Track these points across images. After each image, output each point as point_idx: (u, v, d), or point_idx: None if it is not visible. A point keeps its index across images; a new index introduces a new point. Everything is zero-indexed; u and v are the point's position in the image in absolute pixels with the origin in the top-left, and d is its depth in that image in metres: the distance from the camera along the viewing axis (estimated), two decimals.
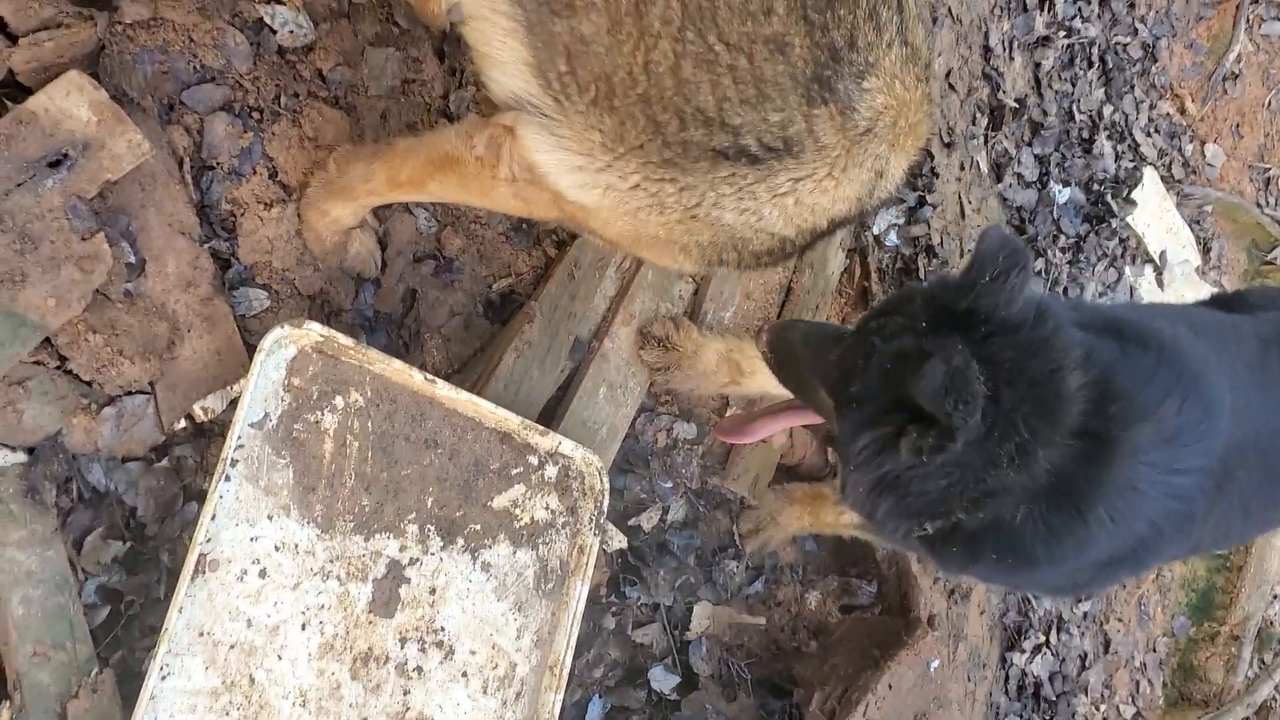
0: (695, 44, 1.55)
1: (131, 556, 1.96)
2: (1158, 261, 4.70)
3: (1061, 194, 4.21)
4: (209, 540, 1.92)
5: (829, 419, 2.07)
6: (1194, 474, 1.93)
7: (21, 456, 1.81)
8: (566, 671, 2.35)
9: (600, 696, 2.69)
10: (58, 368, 1.84)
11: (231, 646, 1.95)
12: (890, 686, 2.72)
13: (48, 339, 1.82)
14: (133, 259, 1.89)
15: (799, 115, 1.62)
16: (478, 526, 2.30)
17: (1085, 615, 4.28)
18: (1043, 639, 4.02)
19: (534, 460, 2.39)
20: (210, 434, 2.05)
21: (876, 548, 3.25)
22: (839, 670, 2.82)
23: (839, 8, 1.57)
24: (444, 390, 2.21)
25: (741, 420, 2.48)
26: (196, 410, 2.01)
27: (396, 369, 2.15)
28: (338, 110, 2.18)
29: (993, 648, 3.66)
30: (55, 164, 1.77)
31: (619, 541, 2.64)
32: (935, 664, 2.88)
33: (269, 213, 2.09)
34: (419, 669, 2.19)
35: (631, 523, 2.79)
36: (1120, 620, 4.54)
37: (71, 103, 1.79)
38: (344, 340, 2.06)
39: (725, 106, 1.60)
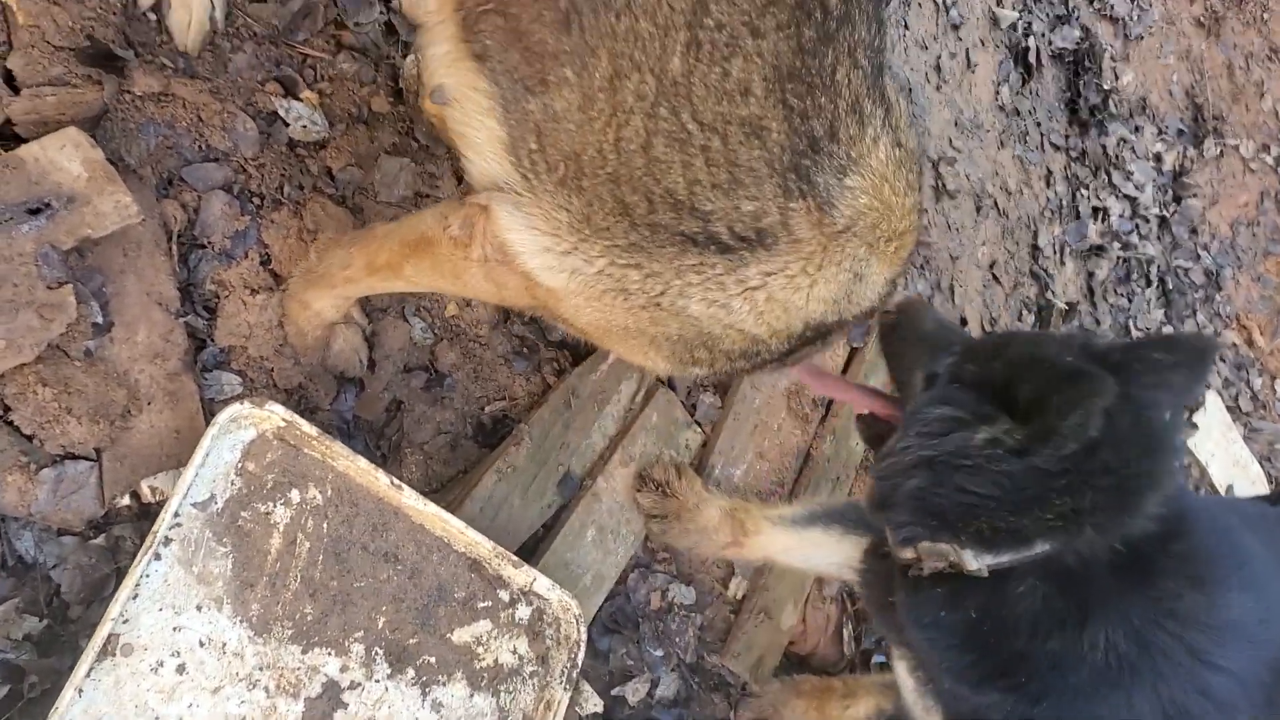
0: (668, 121, 1.51)
1: (47, 636, 1.81)
2: (1223, 495, 4.42)
3: None
4: (125, 620, 1.77)
5: (905, 396, 1.98)
6: (1231, 677, 1.71)
7: None
8: None
9: None
10: (0, 417, 1.76)
11: None
12: None
13: None
14: (100, 320, 1.85)
15: (774, 206, 1.54)
16: (432, 659, 2.10)
17: None
18: None
19: (505, 596, 2.21)
20: (154, 516, 1.93)
21: None
22: None
23: (819, 95, 1.52)
24: (411, 500, 2.08)
25: (818, 371, 2.35)
26: (144, 489, 1.91)
27: (362, 469, 2.03)
28: (343, 209, 2.18)
29: None
30: (35, 211, 1.76)
31: (594, 705, 2.40)
32: None
33: (254, 299, 2.05)
34: None
35: (615, 692, 2.54)
36: None
37: (64, 156, 1.80)
38: (307, 428, 1.96)
39: (696, 190, 1.53)
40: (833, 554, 2.41)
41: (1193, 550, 1.76)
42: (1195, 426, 4.23)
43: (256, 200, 2.08)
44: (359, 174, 2.21)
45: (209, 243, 2.03)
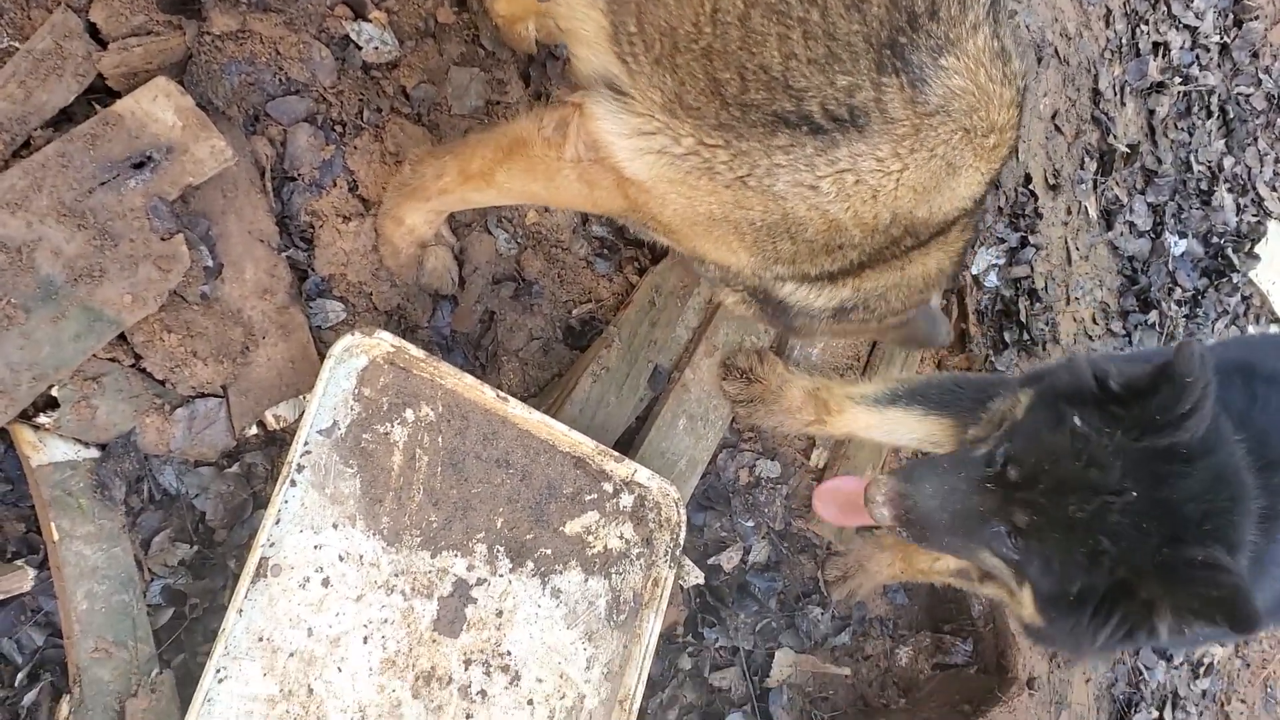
0: None
1: (198, 561, 1.96)
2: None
3: (1177, 245, 4.02)
4: (272, 544, 1.90)
5: (1004, 581, 1.94)
6: None
7: (94, 453, 1.83)
8: (637, 707, 2.26)
9: None
10: (132, 366, 1.86)
11: (291, 654, 1.91)
12: None
13: (123, 336, 1.84)
14: (210, 263, 1.92)
15: (867, 82, 1.54)
16: (549, 551, 2.24)
17: (1204, 694, 3.98)
18: (1156, 715, 3.74)
19: (608, 488, 2.33)
20: (281, 442, 2.05)
21: (972, 603, 3.08)
22: None
23: None
24: (516, 409, 2.17)
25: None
26: (268, 417, 2.01)
27: (468, 384, 2.12)
28: (420, 127, 2.20)
29: None
30: (139, 165, 1.81)
31: (695, 577, 2.55)
32: None
33: (347, 226, 2.10)
34: (483, 693, 2.12)
35: (711, 561, 2.69)
36: (1243, 701, 4.21)
37: (158, 107, 1.84)
38: (415, 352, 2.05)
39: (791, 65, 1.54)
40: (913, 432, 2.49)
41: None
42: (1257, 257, 4.21)
43: (339, 128, 2.12)
44: (432, 90, 2.22)
45: (299, 175, 2.07)
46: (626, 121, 1.65)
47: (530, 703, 2.18)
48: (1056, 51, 3.52)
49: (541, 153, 1.82)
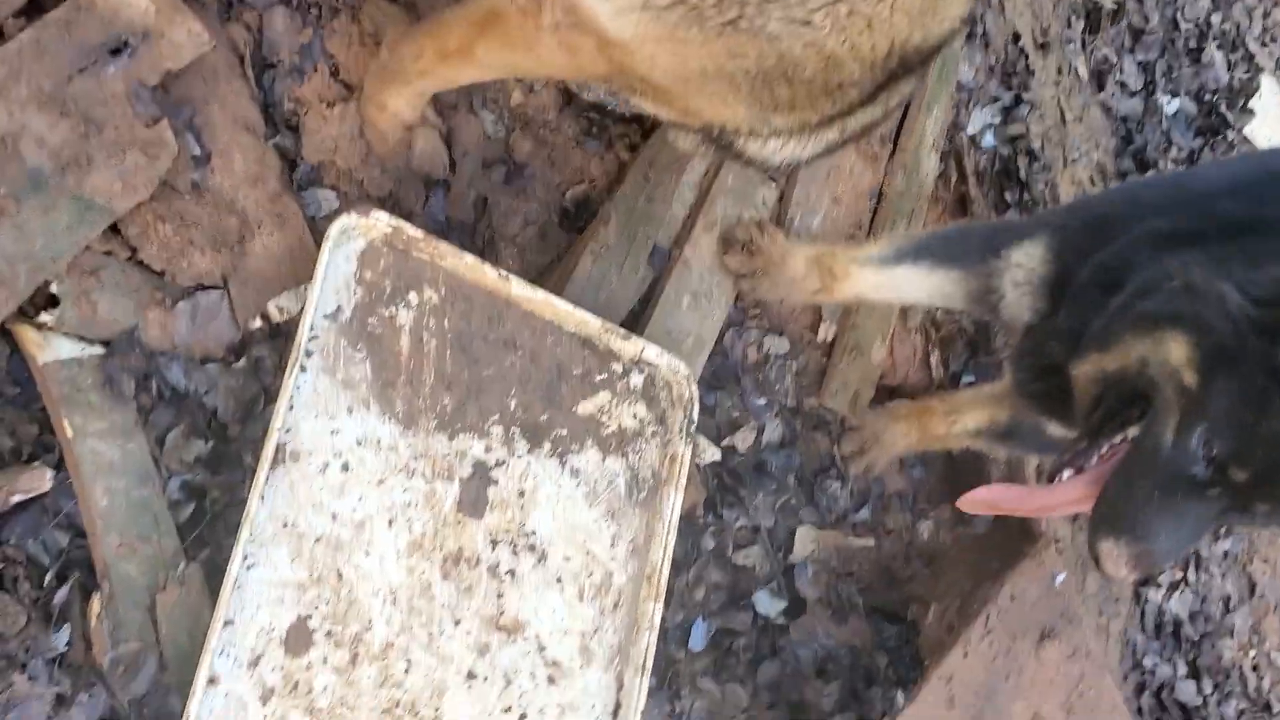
0: None
1: (215, 456, 1.94)
2: None
3: (1170, 104, 3.98)
4: (288, 430, 1.88)
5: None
6: None
7: (98, 349, 1.80)
8: (664, 582, 2.26)
9: (704, 619, 2.58)
10: (129, 259, 1.83)
11: (317, 540, 1.90)
12: (1012, 598, 2.55)
13: (118, 230, 1.81)
14: (198, 151, 1.88)
15: None
16: (564, 431, 2.23)
17: (1226, 554, 4.01)
18: (1180, 576, 3.77)
19: (618, 367, 2.31)
20: (286, 334, 2.02)
21: (991, 466, 3.08)
22: (956, 584, 2.66)
23: None
24: (519, 288, 2.15)
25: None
26: (271, 309, 1.99)
27: (469, 264, 2.09)
28: (396, 6, 2.15)
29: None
30: (116, 51, 1.76)
31: (712, 454, 2.54)
32: (1061, 577, 2.69)
33: (331, 111, 2.06)
34: (512, 572, 2.12)
35: (725, 442, 2.68)
36: (1265, 562, 4.24)
37: None
38: (412, 232, 2.02)
39: None
40: (921, 287, 2.46)
41: None
42: (1252, 112, 4.17)
43: (315, 9, 2.06)
44: None
45: (278, 61, 2.03)
46: None
47: (559, 580, 2.17)
48: None
49: (518, 23, 1.76)
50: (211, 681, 1.76)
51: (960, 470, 3.10)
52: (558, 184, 2.45)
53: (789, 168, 1.98)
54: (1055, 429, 2.41)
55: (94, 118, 1.73)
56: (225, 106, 1.94)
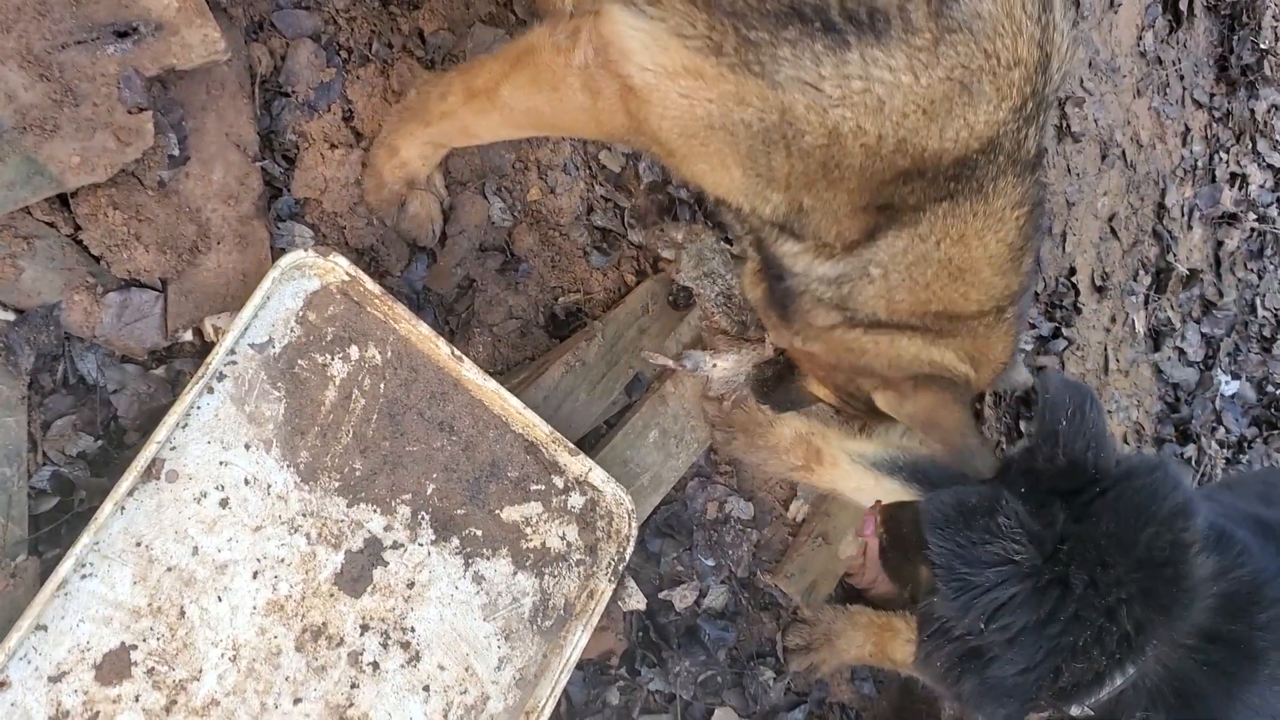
0: None
1: (100, 457, 1.85)
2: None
3: (1229, 385, 3.80)
4: (172, 448, 1.79)
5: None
6: None
7: (9, 316, 1.75)
8: None
9: None
10: (70, 236, 1.78)
11: (169, 569, 1.78)
12: None
13: (67, 205, 1.77)
14: (176, 152, 1.85)
15: None
16: (479, 532, 2.09)
17: None
18: None
19: (559, 482, 2.18)
20: None
21: (943, 707, 2.83)
22: None
23: None
24: (471, 373, 2.05)
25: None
26: (207, 326, 1.92)
27: (423, 335, 2.01)
28: (431, 72, 2.14)
29: None
30: (122, 34, 1.76)
31: (637, 601, 2.36)
32: None
33: (333, 153, 2.04)
34: (375, 665, 1.95)
35: (663, 596, 2.51)
36: None
37: None
38: (371, 287, 1.95)
39: None
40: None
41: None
42: None
43: (344, 53, 2.06)
44: (450, 39, 2.17)
45: (293, 91, 2.02)
46: (640, 20, 1.56)
47: (426, 689, 2.00)
48: (1124, 154, 3.39)
49: (549, 59, 1.73)
50: (1, 685, 1.62)
51: (915, 700, 2.86)
52: (553, 287, 2.38)
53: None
54: None
55: (75, 90, 1.71)
56: (222, 119, 1.92)
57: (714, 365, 2.30)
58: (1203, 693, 1.60)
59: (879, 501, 2.15)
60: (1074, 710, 1.67)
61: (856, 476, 2.42)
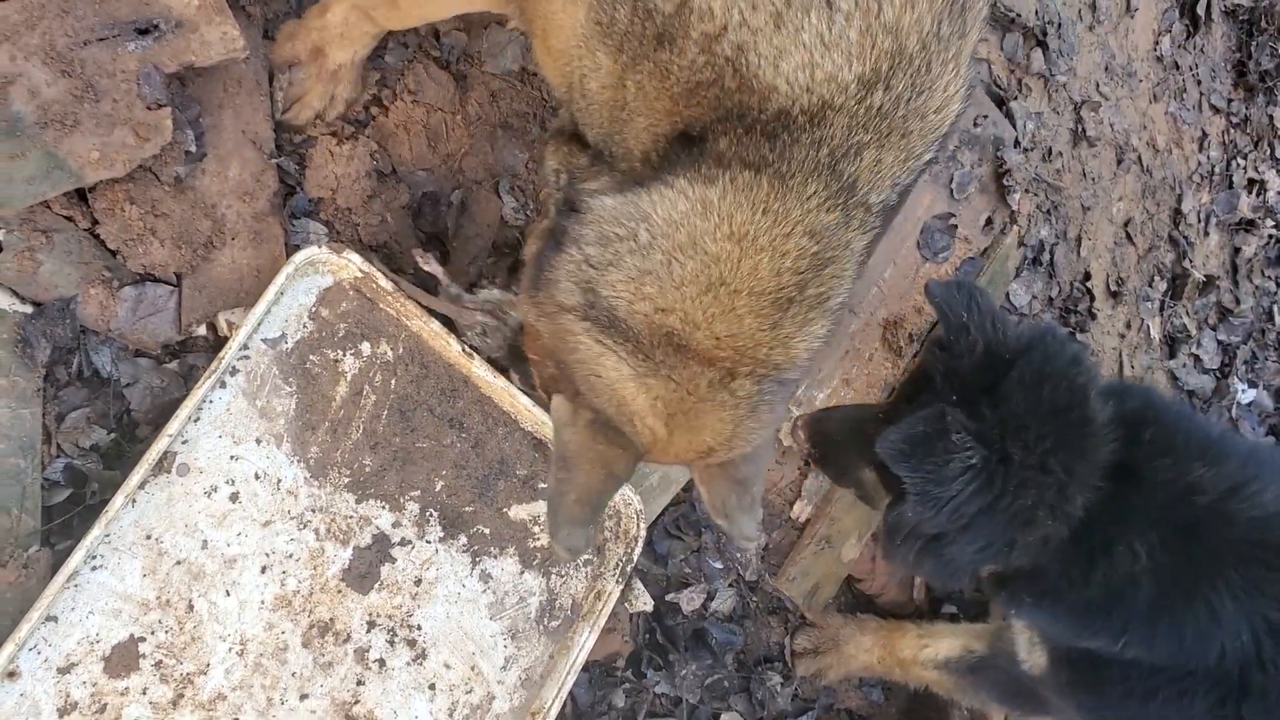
0: None
1: (113, 450, 1.86)
2: None
3: (1245, 393, 3.77)
4: (184, 441, 1.80)
5: (873, 495, 2.12)
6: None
7: (27, 308, 1.76)
8: None
9: None
10: (88, 230, 1.80)
11: (178, 563, 1.79)
12: None
13: (85, 200, 1.79)
14: (193, 149, 1.86)
15: None
16: (486, 530, 2.10)
17: None
18: None
19: None
20: None
21: (953, 710, 2.82)
22: None
23: None
24: (481, 371, 2.06)
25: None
26: (221, 321, 1.93)
27: (434, 332, 2.02)
28: (446, 73, 2.15)
29: None
30: (143, 31, 1.78)
31: (644, 603, 2.36)
32: None
33: (340, 149, 2.04)
34: (381, 662, 1.96)
35: (670, 598, 2.51)
36: None
37: None
38: (384, 283, 1.96)
39: None
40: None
41: (1165, 429, 1.87)
42: None
43: None
44: (464, 40, 2.18)
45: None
46: None
47: (432, 687, 2.01)
48: (1140, 160, 3.37)
49: None
50: (10, 675, 1.63)
51: (923, 706, 2.85)
52: None
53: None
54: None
55: (96, 86, 1.73)
56: (239, 117, 1.94)
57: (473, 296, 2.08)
58: (1109, 517, 1.81)
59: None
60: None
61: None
